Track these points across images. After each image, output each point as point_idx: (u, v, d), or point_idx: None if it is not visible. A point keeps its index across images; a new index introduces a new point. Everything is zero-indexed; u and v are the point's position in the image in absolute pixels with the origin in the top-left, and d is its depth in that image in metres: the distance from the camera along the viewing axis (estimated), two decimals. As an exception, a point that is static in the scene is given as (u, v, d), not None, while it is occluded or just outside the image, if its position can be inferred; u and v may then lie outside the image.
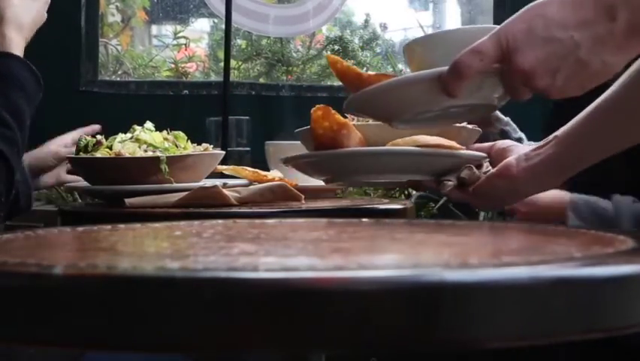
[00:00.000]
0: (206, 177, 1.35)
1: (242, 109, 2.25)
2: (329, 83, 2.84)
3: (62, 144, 1.50)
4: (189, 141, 1.34)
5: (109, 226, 0.72)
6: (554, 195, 1.25)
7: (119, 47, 3.24)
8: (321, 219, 0.80)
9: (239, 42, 3.14)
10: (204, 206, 1.18)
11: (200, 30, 3.61)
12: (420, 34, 3.27)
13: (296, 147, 1.27)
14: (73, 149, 1.40)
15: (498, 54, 0.75)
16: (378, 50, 3.15)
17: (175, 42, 3.08)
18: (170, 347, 0.39)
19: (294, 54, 3.04)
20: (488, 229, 0.80)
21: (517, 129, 1.38)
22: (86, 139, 1.32)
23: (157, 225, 0.76)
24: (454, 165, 0.95)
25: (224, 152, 1.41)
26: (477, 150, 1.02)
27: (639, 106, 0.82)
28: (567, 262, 0.45)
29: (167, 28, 3.37)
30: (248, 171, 1.36)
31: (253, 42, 3.05)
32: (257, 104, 2.53)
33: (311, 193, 1.34)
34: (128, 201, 1.21)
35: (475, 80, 0.77)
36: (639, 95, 0.83)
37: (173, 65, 2.97)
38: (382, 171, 0.97)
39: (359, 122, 1.06)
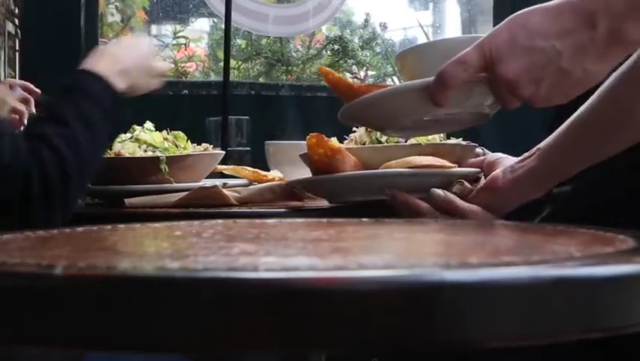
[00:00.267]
0: (206, 177, 1.35)
1: (242, 109, 2.25)
2: (329, 83, 2.83)
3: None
4: (189, 141, 1.34)
5: (109, 226, 0.72)
6: None
7: (118, 47, 3.23)
8: (321, 219, 0.80)
9: (239, 42, 3.15)
10: (204, 206, 1.18)
11: (200, 30, 3.61)
12: (420, 33, 3.28)
13: (296, 147, 1.27)
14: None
15: (482, 64, 0.76)
16: (378, 49, 3.15)
17: (175, 42, 3.08)
18: (170, 347, 0.39)
19: (294, 54, 3.04)
20: (488, 228, 0.80)
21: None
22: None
23: (157, 225, 0.76)
24: (443, 183, 0.99)
25: (224, 152, 1.41)
26: (471, 165, 1.06)
27: (610, 123, 0.84)
28: (567, 262, 0.45)
29: (167, 28, 3.37)
30: (248, 171, 1.36)
31: (253, 42, 3.05)
32: (257, 103, 2.53)
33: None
34: (128, 201, 1.21)
35: (463, 89, 0.78)
36: (610, 113, 0.85)
37: (172, 65, 2.97)
38: (377, 192, 1.01)
39: (353, 146, 1.10)
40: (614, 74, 0.83)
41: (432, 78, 0.79)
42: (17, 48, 2.44)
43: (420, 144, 1.07)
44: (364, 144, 1.10)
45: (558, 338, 0.42)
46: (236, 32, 3.00)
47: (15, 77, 2.33)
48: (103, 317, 0.39)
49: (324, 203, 1.28)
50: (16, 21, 2.41)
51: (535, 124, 1.43)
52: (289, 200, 1.24)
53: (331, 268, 0.44)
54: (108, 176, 1.28)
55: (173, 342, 0.38)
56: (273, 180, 1.30)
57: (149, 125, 1.34)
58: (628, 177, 0.91)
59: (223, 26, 2.35)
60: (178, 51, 3.06)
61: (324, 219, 0.78)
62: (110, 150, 1.30)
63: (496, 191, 0.94)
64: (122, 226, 0.73)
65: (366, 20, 3.20)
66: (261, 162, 1.50)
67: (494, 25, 0.79)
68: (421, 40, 3.27)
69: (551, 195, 0.96)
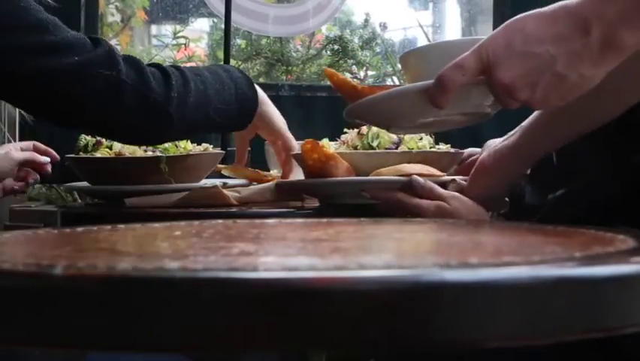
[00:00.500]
0: (206, 177, 1.35)
1: (242, 109, 2.24)
2: (328, 83, 2.83)
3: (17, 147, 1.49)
4: (189, 141, 1.34)
5: (109, 226, 0.72)
6: None
7: (118, 47, 3.24)
8: (321, 219, 0.80)
9: (238, 42, 3.14)
10: (204, 206, 1.18)
11: (200, 30, 3.61)
12: (420, 33, 3.28)
13: (296, 147, 1.27)
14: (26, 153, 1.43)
15: (479, 68, 0.77)
16: (377, 49, 3.15)
17: (174, 42, 3.08)
18: (170, 347, 0.39)
19: (294, 54, 3.04)
20: (488, 228, 0.80)
21: None
22: (85, 139, 1.32)
23: (157, 225, 0.75)
24: None
25: (224, 152, 1.41)
26: (458, 171, 1.13)
27: (583, 100, 0.84)
28: (567, 262, 0.45)
29: (167, 28, 3.37)
30: (248, 171, 1.36)
31: (253, 42, 3.05)
32: (257, 103, 2.52)
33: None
34: (128, 201, 1.21)
35: (463, 91, 0.79)
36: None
37: (172, 65, 2.97)
38: (366, 197, 1.06)
39: (346, 151, 1.13)
40: None
41: (432, 81, 0.80)
42: (17, 48, 2.43)
43: (410, 151, 1.11)
44: (356, 147, 1.13)
45: (558, 338, 0.42)
46: (236, 32, 3.00)
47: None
48: (103, 317, 0.39)
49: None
50: (16, 21, 2.41)
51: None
52: (289, 200, 1.24)
53: (331, 268, 0.44)
54: (108, 176, 1.28)
55: (173, 342, 0.38)
56: (273, 180, 1.30)
57: (149, 125, 1.33)
58: (627, 177, 0.91)
59: (223, 26, 2.35)
60: (178, 51, 3.06)
61: (324, 219, 0.78)
62: (111, 149, 1.30)
63: (485, 172, 0.99)
64: (122, 225, 0.73)
65: (366, 20, 3.20)
66: (261, 162, 1.49)
67: (494, 25, 0.79)
68: (421, 40, 3.28)
69: (548, 198, 0.97)
